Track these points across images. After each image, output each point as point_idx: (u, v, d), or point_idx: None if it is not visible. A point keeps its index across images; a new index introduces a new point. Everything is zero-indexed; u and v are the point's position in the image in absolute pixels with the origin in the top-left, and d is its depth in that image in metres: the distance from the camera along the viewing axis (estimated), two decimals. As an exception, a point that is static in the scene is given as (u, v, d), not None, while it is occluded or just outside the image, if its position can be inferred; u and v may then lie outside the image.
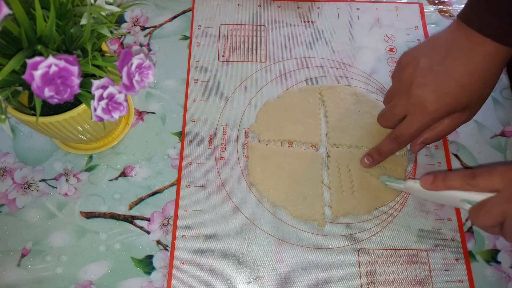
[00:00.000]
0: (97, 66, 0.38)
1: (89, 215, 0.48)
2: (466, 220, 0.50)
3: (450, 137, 0.54)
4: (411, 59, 0.47)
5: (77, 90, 0.32)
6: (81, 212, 0.48)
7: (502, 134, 0.54)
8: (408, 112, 0.46)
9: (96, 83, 0.34)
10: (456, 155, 0.53)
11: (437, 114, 0.44)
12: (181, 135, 0.53)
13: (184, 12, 0.61)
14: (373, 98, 0.55)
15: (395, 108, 0.47)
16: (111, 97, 0.35)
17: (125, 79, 0.35)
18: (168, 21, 0.60)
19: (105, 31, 0.36)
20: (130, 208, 0.49)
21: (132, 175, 0.50)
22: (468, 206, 0.41)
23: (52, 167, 0.50)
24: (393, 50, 0.59)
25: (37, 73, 0.30)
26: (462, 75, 0.44)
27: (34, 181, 0.50)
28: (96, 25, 0.36)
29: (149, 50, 0.58)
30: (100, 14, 0.36)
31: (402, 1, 0.63)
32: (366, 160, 0.50)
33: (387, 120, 0.49)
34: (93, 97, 0.34)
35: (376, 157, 0.49)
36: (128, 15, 0.60)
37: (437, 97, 0.43)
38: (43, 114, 0.39)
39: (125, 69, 0.35)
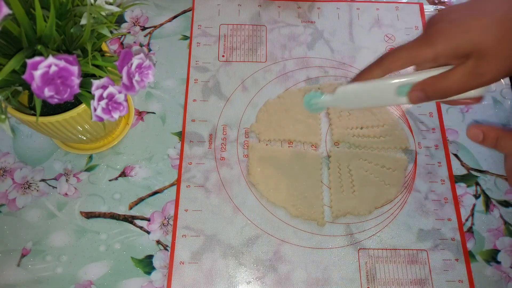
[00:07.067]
0: (97, 66, 0.38)
1: (89, 215, 0.48)
2: (466, 220, 0.50)
3: (450, 137, 0.54)
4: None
5: (77, 90, 0.32)
6: (81, 212, 0.48)
7: (502, 134, 0.54)
8: None
9: (96, 83, 0.34)
10: (456, 155, 0.53)
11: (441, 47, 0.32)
12: (181, 135, 0.53)
13: (184, 12, 0.61)
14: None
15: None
16: (111, 97, 0.35)
17: (125, 79, 0.35)
18: (168, 21, 0.60)
19: (105, 31, 0.37)
20: (130, 208, 0.49)
21: (132, 175, 0.50)
22: (405, 100, 0.34)
23: (52, 167, 0.50)
24: (393, 50, 0.59)
25: (37, 73, 0.30)
26: (495, 9, 0.32)
27: (34, 181, 0.50)
28: (96, 25, 0.36)
29: (149, 50, 0.58)
30: (100, 14, 0.36)
31: (402, 1, 0.63)
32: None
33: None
34: (93, 97, 0.34)
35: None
36: (128, 15, 0.60)
37: (456, 26, 0.32)
38: (43, 114, 0.39)
39: (125, 69, 0.35)
